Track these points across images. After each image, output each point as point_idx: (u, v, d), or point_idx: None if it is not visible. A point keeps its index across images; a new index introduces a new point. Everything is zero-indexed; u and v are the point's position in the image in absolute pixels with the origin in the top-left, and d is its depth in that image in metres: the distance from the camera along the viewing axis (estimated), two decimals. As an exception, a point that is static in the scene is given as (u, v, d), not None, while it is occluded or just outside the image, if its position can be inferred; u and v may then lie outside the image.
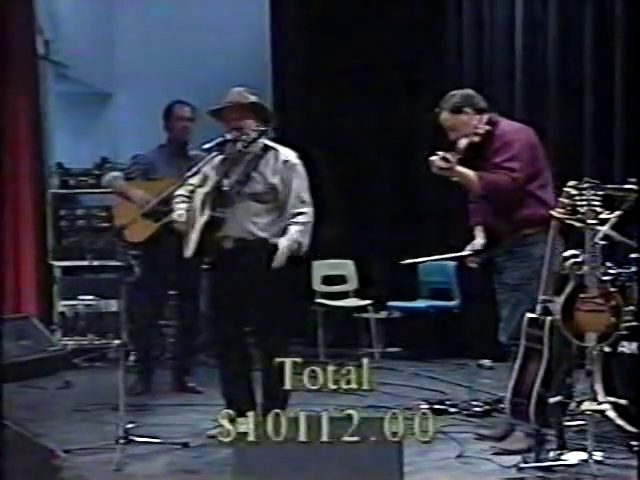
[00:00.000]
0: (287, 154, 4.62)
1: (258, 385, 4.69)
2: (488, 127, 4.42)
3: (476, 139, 4.39)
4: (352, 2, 7.87)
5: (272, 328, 4.61)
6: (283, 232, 4.57)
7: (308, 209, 4.58)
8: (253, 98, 4.67)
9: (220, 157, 4.68)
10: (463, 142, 4.37)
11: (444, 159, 4.27)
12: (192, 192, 4.75)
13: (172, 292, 6.10)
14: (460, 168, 4.31)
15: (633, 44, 6.14)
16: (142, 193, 5.60)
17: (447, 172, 4.29)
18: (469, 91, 4.58)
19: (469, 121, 4.45)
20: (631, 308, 4.44)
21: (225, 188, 4.55)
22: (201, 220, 4.57)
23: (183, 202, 4.73)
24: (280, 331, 4.65)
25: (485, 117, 4.46)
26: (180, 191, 4.78)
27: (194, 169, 4.68)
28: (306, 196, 4.60)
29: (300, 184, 4.58)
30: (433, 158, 4.30)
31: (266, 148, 4.57)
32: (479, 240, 4.64)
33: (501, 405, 4.70)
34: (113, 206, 6.00)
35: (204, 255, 4.74)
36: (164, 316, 6.26)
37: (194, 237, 4.60)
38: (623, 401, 4.27)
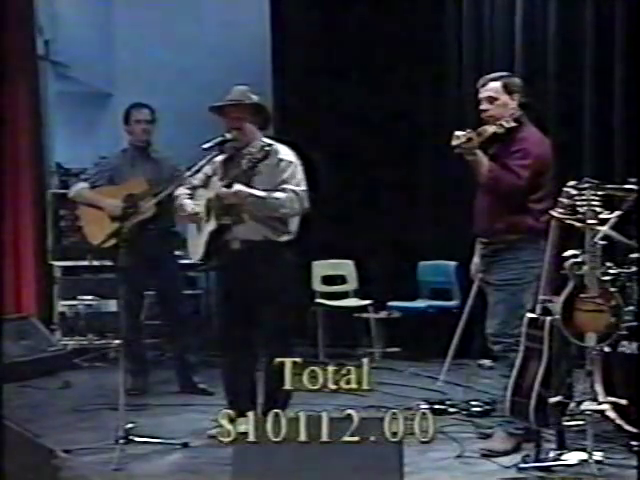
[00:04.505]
0: (286, 153, 4.62)
1: (259, 385, 4.70)
2: (514, 124, 4.39)
3: (500, 131, 4.37)
4: (352, 0, 7.87)
5: (280, 327, 4.63)
6: (286, 231, 4.59)
7: (295, 192, 4.54)
8: (255, 98, 4.68)
9: (221, 158, 4.68)
10: (489, 130, 4.35)
11: (469, 139, 4.26)
12: (194, 190, 4.76)
13: (152, 290, 6.13)
14: (478, 152, 4.31)
15: (633, 43, 6.13)
16: (112, 200, 5.72)
17: (466, 151, 4.27)
18: (521, 83, 4.57)
19: (507, 106, 4.42)
20: (631, 308, 4.44)
21: None
22: (208, 227, 4.59)
23: (188, 198, 4.74)
24: (285, 330, 4.67)
25: (517, 113, 4.43)
26: (181, 190, 4.79)
27: (194, 168, 4.69)
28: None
29: (297, 184, 4.58)
30: (459, 133, 4.28)
31: (266, 148, 4.55)
32: (476, 259, 4.65)
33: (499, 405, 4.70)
34: (78, 209, 6.07)
35: (212, 259, 4.77)
36: (147, 315, 6.27)
37: (202, 242, 4.62)
38: (623, 401, 4.27)
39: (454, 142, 4.29)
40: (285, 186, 4.51)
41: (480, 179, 4.37)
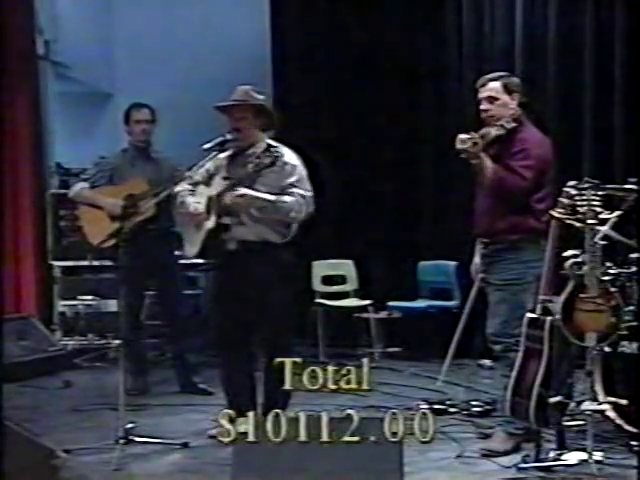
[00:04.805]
0: (290, 156, 4.60)
1: (259, 385, 4.70)
2: (514, 124, 4.39)
3: (501, 132, 4.37)
4: (352, 0, 7.87)
5: (276, 328, 4.62)
6: (287, 234, 4.60)
7: (302, 196, 4.54)
8: (260, 98, 4.65)
9: (225, 155, 4.67)
10: (493, 132, 4.35)
11: (475, 142, 4.25)
12: (195, 185, 4.75)
13: (152, 290, 6.14)
14: (483, 154, 4.30)
15: (633, 43, 6.13)
16: (112, 200, 5.69)
17: (471, 154, 4.25)
18: (520, 83, 4.57)
19: (507, 106, 4.42)
20: (631, 308, 4.44)
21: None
22: (207, 226, 4.58)
23: (190, 196, 4.72)
24: (284, 330, 4.66)
25: (517, 113, 4.43)
26: (183, 186, 4.78)
27: (197, 167, 4.69)
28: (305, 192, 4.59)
29: (304, 188, 4.57)
30: (463, 137, 4.25)
31: (269, 149, 4.51)
32: (476, 260, 4.65)
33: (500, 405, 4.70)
34: (78, 209, 6.07)
35: (207, 257, 4.77)
36: (147, 315, 6.28)
37: (199, 239, 4.61)
38: (623, 401, 4.27)
39: (459, 146, 4.25)
40: (293, 190, 4.50)
41: (485, 181, 4.35)
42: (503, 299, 4.39)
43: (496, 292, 4.44)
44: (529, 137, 4.42)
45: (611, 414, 4.27)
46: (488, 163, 4.31)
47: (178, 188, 4.80)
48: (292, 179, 4.53)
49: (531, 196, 4.36)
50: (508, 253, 4.40)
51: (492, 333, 4.42)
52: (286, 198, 4.48)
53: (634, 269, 4.56)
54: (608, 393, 4.38)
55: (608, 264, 4.45)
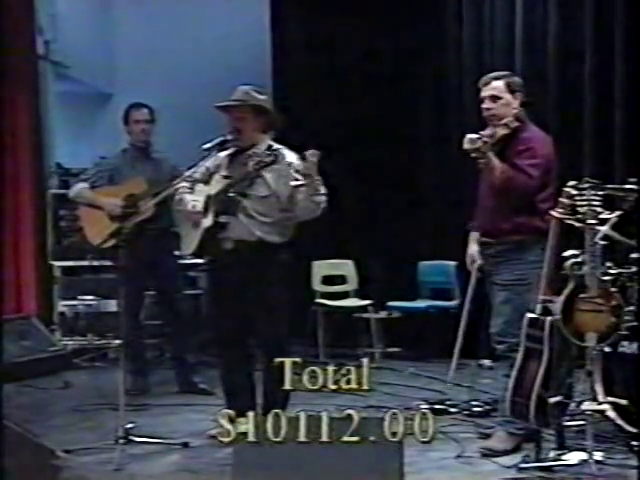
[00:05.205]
0: (291, 158, 4.59)
1: (259, 385, 4.70)
2: (517, 124, 4.40)
3: (506, 131, 4.37)
4: (352, 0, 7.87)
5: (273, 328, 4.61)
6: (286, 233, 4.59)
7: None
8: (259, 98, 4.62)
9: (224, 155, 4.67)
10: (500, 132, 4.35)
11: (484, 142, 4.24)
12: (194, 183, 4.74)
13: (151, 290, 6.15)
14: (491, 154, 4.29)
15: (633, 43, 6.13)
16: (112, 200, 5.71)
17: (480, 154, 4.25)
18: (522, 82, 4.58)
19: (510, 105, 4.42)
20: (631, 308, 4.44)
21: (230, 194, 4.54)
22: (204, 224, 4.58)
23: (189, 193, 4.71)
24: (281, 331, 4.65)
25: (520, 112, 4.43)
26: (181, 183, 4.77)
27: (197, 166, 4.70)
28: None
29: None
30: (473, 136, 4.24)
31: (271, 150, 4.49)
32: (473, 247, 4.65)
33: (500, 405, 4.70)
34: (78, 209, 6.08)
35: (204, 255, 4.77)
36: (147, 315, 6.28)
37: (196, 237, 4.61)
38: (623, 401, 4.27)
39: (468, 146, 4.24)
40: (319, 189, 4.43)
41: (494, 180, 4.34)
42: (508, 299, 4.39)
43: (501, 292, 4.44)
44: (533, 136, 4.43)
45: (611, 414, 4.27)
46: (497, 162, 4.30)
47: (177, 186, 4.80)
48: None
49: (537, 195, 4.36)
50: (513, 253, 4.40)
51: (496, 333, 4.42)
52: (320, 197, 4.43)
53: (634, 269, 4.56)
54: (608, 393, 4.38)
55: (608, 264, 4.45)
